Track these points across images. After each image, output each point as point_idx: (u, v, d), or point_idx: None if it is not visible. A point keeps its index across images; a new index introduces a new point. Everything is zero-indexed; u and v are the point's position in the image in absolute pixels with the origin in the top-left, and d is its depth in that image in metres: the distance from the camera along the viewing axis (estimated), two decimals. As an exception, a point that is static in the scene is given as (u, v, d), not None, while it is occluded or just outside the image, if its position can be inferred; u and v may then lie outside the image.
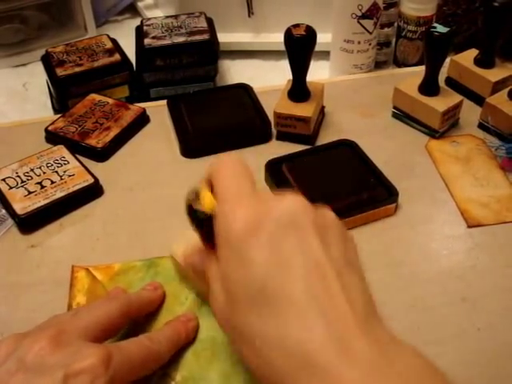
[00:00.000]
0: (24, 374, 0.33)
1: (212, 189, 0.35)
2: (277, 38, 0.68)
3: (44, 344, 0.35)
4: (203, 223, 0.35)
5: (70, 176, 0.57)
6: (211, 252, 0.35)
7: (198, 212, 0.35)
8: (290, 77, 0.62)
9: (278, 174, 0.57)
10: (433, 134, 0.63)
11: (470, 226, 0.53)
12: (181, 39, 0.71)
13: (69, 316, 0.39)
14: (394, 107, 0.66)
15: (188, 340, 0.42)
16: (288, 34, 0.58)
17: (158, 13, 0.89)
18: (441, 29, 0.58)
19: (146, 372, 0.38)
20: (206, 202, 0.35)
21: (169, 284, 0.46)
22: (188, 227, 0.36)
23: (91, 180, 0.57)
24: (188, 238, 0.39)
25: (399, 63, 0.79)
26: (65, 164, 0.58)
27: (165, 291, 0.45)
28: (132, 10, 0.95)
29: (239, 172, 0.35)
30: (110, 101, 0.67)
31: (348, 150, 0.60)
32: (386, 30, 0.77)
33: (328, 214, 0.34)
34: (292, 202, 0.32)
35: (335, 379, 0.27)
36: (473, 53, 0.69)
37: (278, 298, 0.29)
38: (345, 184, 0.56)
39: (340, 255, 0.31)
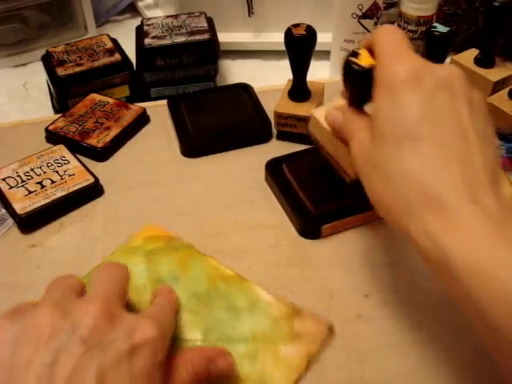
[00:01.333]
0: (89, 351, 0.32)
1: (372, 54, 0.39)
2: (277, 38, 0.68)
3: (100, 319, 0.34)
4: (359, 78, 0.38)
5: (70, 176, 0.57)
6: (356, 111, 0.40)
7: (355, 66, 0.38)
8: (291, 76, 0.62)
9: (278, 174, 0.57)
10: (433, 133, 0.63)
11: (470, 226, 0.53)
12: (181, 39, 0.71)
13: (77, 285, 0.39)
14: (395, 107, 0.66)
15: (176, 309, 0.43)
16: (288, 34, 0.58)
17: (159, 12, 0.90)
18: (441, 28, 0.58)
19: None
20: (364, 59, 0.39)
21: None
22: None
23: (91, 180, 0.57)
24: (327, 107, 0.44)
25: (399, 63, 0.79)
26: (65, 164, 0.58)
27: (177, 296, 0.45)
28: (132, 9, 0.95)
29: (399, 36, 0.39)
30: (111, 100, 0.67)
31: None
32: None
33: (479, 93, 0.37)
34: (452, 69, 0.36)
35: (456, 217, 0.31)
36: (473, 52, 0.69)
37: (423, 139, 0.34)
38: (345, 184, 0.55)
39: (482, 129, 0.36)
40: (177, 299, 0.44)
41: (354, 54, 0.39)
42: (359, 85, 0.39)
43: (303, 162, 0.58)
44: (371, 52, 0.40)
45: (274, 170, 0.57)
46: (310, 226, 0.52)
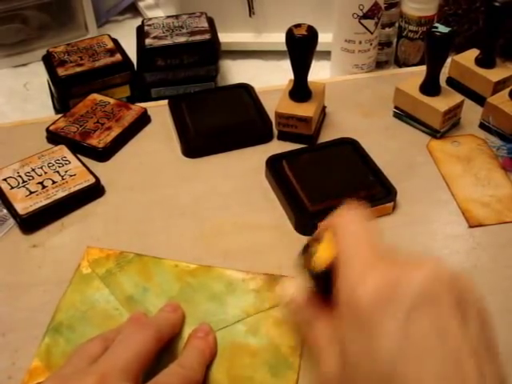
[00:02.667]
0: None
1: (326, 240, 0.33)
2: (278, 38, 0.68)
3: None
4: (318, 280, 0.33)
5: (71, 176, 0.57)
6: (323, 307, 0.33)
7: (313, 267, 0.33)
8: (291, 77, 0.62)
9: (278, 171, 0.57)
10: (434, 133, 0.63)
11: (471, 226, 0.53)
12: (182, 39, 0.71)
13: (102, 351, 0.37)
14: (395, 107, 0.66)
15: (213, 354, 0.41)
16: (289, 34, 0.58)
17: (159, 13, 0.89)
18: (442, 29, 0.58)
19: None
20: (324, 253, 0.32)
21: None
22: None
23: (92, 180, 0.57)
24: (296, 284, 0.37)
25: (400, 63, 0.79)
26: (66, 164, 0.58)
27: (184, 311, 0.44)
28: (133, 9, 0.95)
29: (365, 229, 0.32)
30: (111, 101, 0.67)
31: (349, 148, 0.60)
32: (387, 29, 0.77)
33: (470, 288, 0.29)
34: (430, 271, 0.28)
35: None
36: (474, 53, 0.69)
37: (409, 378, 0.26)
38: (343, 182, 0.56)
39: (479, 340, 0.28)
40: (214, 343, 0.42)
41: (308, 249, 0.33)
42: (316, 286, 0.33)
43: (303, 160, 0.59)
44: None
45: (275, 166, 0.58)
46: (306, 223, 0.52)
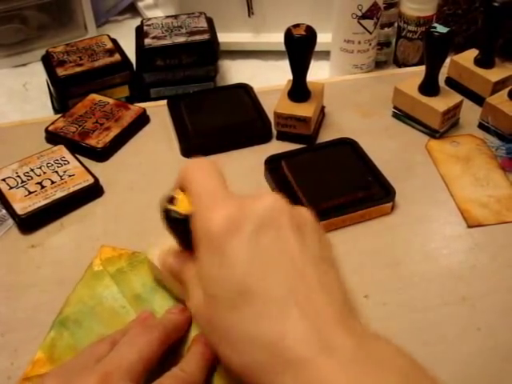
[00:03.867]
0: None
1: (185, 192, 0.35)
2: (277, 38, 0.67)
3: None
4: (179, 226, 0.35)
5: (70, 176, 0.57)
6: (188, 255, 0.35)
7: (173, 214, 0.35)
8: (290, 77, 0.62)
9: (277, 171, 0.57)
10: (433, 133, 0.63)
11: (469, 226, 0.53)
12: (181, 39, 0.71)
13: (109, 352, 0.37)
14: (394, 107, 0.66)
15: (215, 358, 0.41)
16: (288, 34, 0.58)
17: (158, 13, 0.89)
18: (441, 29, 0.58)
19: None
20: (182, 205, 0.35)
21: None
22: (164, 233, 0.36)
23: (91, 180, 0.57)
24: (164, 243, 0.39)
25: (399, 63, 0.79)
26: (65, 164, 0.58)
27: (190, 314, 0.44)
28: (132, 10, 0.95)
29: (211, 172, 0.35)
30: (111, 101, 0.67)
31: (348, 148, 0.60)
32: (386, 30, 0.77)
33: (304, 213, 0.34)
34: (269, 201, 0.32)
35: (313, 371, 0.27)
36: (473, 53, 0.69)
37: (258, 296, 0.29)
38: (342, 182, 0.56)
39: (316, 252, 0.32)
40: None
41: (171, 199, 0.35)
42: (182, 232, 0.35)
43: (302, 160, 0.59)
44: None
45: (273, 166, 0.58)
46: None
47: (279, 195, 0.33)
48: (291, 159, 0.58)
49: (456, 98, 0.63)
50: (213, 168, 0.35)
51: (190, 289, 0.34)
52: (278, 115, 0.62)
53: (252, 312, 0.30)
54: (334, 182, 0.56)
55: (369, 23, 0.70)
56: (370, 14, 0.69)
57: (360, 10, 0.69)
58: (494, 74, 0.66)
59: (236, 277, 0.30)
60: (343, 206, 0.53)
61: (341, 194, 0.54)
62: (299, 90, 0.62)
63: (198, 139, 0.63)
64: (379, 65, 0.79)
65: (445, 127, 0.63)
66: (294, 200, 0.54)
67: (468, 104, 0.66)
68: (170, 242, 0.38)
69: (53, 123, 0.64)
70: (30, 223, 0.54)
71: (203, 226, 0.32)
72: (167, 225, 0.36)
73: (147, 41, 0.71)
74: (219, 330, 0.31)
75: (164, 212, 0.36)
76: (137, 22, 0.77)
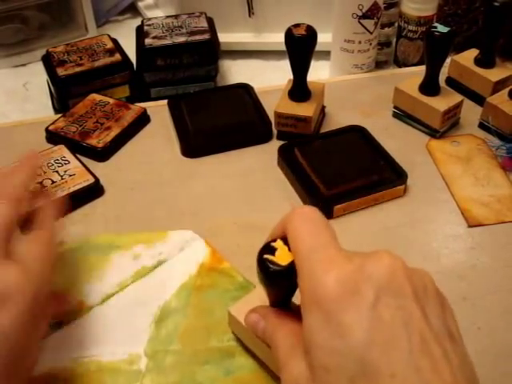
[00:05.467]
0: None
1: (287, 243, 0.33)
2: (277, 38, 0.68)
3: None
4: (279, 280, 0.32)
5: (70, 176, 0.57)
6: (283, 316, 0.33)
7: (273, 266, 0.32)
8: (291, 77, 0.62)
9: (291, 158, 0.58)
10: (433, 133, 0.63)
11: (470, 226, 0.53)
12: (181, 39, 0.71)
13: None
14: (395, 107, 0.66)
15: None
16: (289, 34, 0.58)
17: (159, 13, 0.89)
18: (441, 29, 0.58)
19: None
20: (282, 255, 0.32)
21: None
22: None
23: (92, 180, 0.57)
24: (251, 298, 0.37)
25: (400, 63, 0.79)
26: (65, 164, 0.58)
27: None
28: (132, 9, 0.95)
29: (320, 226, 0.32)
30: (111, 101, 0.67)
31: (357, 135, 0.61)
32: (386, 29, 0.77)
33: (427, 278, 0.31)
34: (388, 262, 0.29)
35: None
36: (473, 53, 0.69)
37: (381, 374, 0.26)
38: (355, 167, 0.57)
39: (442, 326, 0.29)
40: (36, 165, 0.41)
41: (270, 249, 0.33)
42: (280, 285, 0.33)
43: (315, 147, 0.60)
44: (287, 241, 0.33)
45: (287, 153, 0.59)
46: (322, 207, 0.53)
47: (395, 255, 0.30)
48: (303, 147, 0.59)
49: (456, 97, 0.63)
50: (321, 220, 0.32)
51: (286, 358, 0.31)
52: (278, 115, 0.62)
53: None
54: (346, 167, 0.57)
55: (369, 23, 0.70)
56: (371, 13, 0.69)
57: (360, 10, 0.69)
58: (495, 74, 0.66)
59: (356, 349, 0.27)
60: (358, 189, 0.54)
61: (355, 178, 0.55)
62: (300, 90, 0.62)
63: (199, 139, 0.63)
64: (379, 65, 0.79)
65: (445, 127, 0.63)
66: (310, 186, 0.55)
67: (468, 104, 0.66)
68: (257, 296, 0.35)
69: (53, 123, 0.64)
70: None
71: (315, 290, 0.29)
72: (264, 276, 0.33)
73: (148, 41, 0.71)
74: None
75: (261, 263, 0.32)
76: (137, 21, 0.77)
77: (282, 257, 0.32)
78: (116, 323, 0.44)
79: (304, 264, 0.30)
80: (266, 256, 0.32)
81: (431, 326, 0.28)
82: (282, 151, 0.60)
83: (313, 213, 0.33)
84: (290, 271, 0.31)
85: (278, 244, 0.33)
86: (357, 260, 0.29)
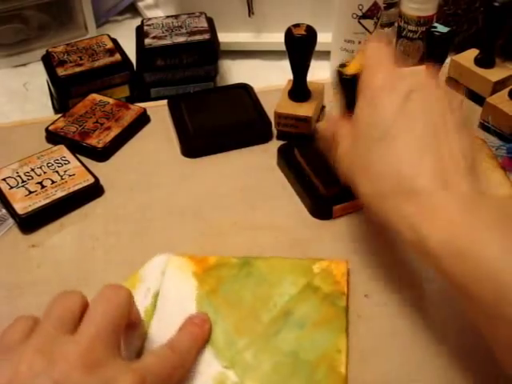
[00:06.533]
0: None
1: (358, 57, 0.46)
2: (277, 38, 0.67)
3: (77, 366, 0.32)
4: (347, 85, 0.45)
5: (70, 176, 0.57)
6: (347, 119, 0.44)
7: (344, 75, 0.45)
8: (291, 77, 0.62)
9: (290, 158, 0.58)
10: (433, 133, 0.63)
11: (470, 226, 0.53)
12: (181, 39, 0.71)
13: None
14: (395, 107, 0.66)
15: (205, 343, 0.41)
16: (288, 34, 0.58)
17: (159, 13, 0.89)
18: (441, 29, 0.58)
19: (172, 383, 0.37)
20: (353, 66, 0.45)
21: (260, 287, 0.46)
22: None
23: (92, 180, 0.57)
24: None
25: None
26: (65, 164, 0.58)
27: (211, 325, 0.43)
28: (132, 9, 0.95)
29: (384, 49, 0.43)
30: (111, 101, 0.67)
31: None
32: (386, 29, 0.77)
33: (450, 90, 0.45)
34: (423, 77, 0.41)
35: (430, 204, 0.35)
36: (473, 53, 0.69)
37: (397, 140, 0.38)
38: None
39: (458, 120, 0.39)
40: (209, 330, 0.42)
41: (343, 64, 0.47)
42: (346, 90, 0.46)
43: (314, 146, 0.59)
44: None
45: (287, 154, 0.59)
46: (321, 207, 0.53)
47: (433, 74, 0.42)
48: (303, 146, 0.59)
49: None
50: (387, 49, 0.44)
51: (340, 140, 0.44)
52: (278, 115, 0.62)
53: (390, 148, 0.38)
54: None
55: (369, 23, 0.70)
56: (371, 13, 0.69)
57: (360, 10, 0.69)
58: (495, 74, 0.66)
59: (382, 119, 0.38)
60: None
61: None
62: (299, 90, 0.62)
63: (199, 139, 0.63)
64: (379, 65, 0.79)
65: (445, 127, 0.63)
66: (309, 186, 0.55)
67: (468, 104, 0.66)
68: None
69: (53, 123, 0.64)
70: (31, 223, 0.54)
71: (367, 82, 0.41)
72: (338, 84, 0.46)
73: (147, 41, 0.71)
74: (359, 165, 0.40)
75: (337, 73, 0.46)
76: (137, 21, 0.77)
77: (351, 69, 0.45)
78: None
79: (367, 68, 0.42)
80: (339, 68, 0.46)
81: (445, 118, 0.38)
82: (281, 151, 0.60)
83: (383, 45, 0.44)
84: (353, 80, 0.44)
85: (352, 61, 0.46)
86: (402, 69, 0.41)
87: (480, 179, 0.37)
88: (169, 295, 0.45)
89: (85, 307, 0.37)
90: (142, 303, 0.44)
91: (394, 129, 0.38)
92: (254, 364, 0.41)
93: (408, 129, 0.38)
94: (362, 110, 0.41)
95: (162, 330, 0.42)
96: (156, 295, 0.45)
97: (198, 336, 0.41)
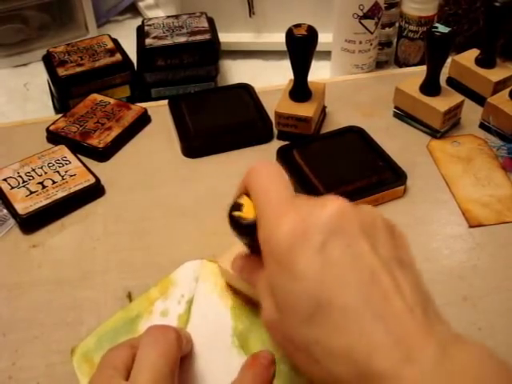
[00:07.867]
0: None
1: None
2: (278, 38, 0.68)
3: None
4: (246, 232, 0.34)
5: (71, 176, 0.57)
6: (258, 260, 0.34)
7: (240, 221, 0.34)
8: (292, 77, 0.62)
9: (289, 160, 0.58)
10: (434, 133, 0.63)
11: (471, 226, 0.53)
12: (182, 39, 0.71)
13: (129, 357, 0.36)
14: (395, 107, 0.66)
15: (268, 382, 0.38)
16: (289, 34, 0.58)
17: (159, 13, 0.90)
18: (442, 29, 0.58)
19: None
20: (248, 210, 0.34)
21: None
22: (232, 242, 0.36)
23: (92, 180, 0.57)
24: (233, 250, 0.39)
25: (400, 63, 0.79)
26: (66, 164, 0.58)
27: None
28: (133, 10, 0.95)
29: (274, 178, 0.34)
30: (112, 101, 0.67)
31: (355, 136, 0.61)
32: (387, 29, 0.77)
33: (373, 213, 0.32)
34: (335, 206, 0.30)
35: (396, 382, 0.27)
36: (474, 53, 0.69)
37: (333, 307, 0.28)
38: (354, 168, 0.57)
39: (391, 255, 0.30)
40: (273, 375, 0.38)
41: (237, 206, 0.35)
42: (250, 238, 0.35)
43: (313, 148, 0.60)
44: None
45: (285, 155, 0.59)
46: None
47: (343, 199, 0.31)
48: (302, 148, 0.59)
49: (457, 97, 0.63)
50: (275, 172, 0.34)
51: (261, 298, 0.33)
52: (278, 115, 0.62)
53: (330, 326, 0.28)
54: (346, 169, 0.57)
55: (370, 23, 0.70)
56: (371, 13, 0.69)
57: (361, 10, 0.69)
58: (495, 74, 0.66)
59: (310, 290, 0.29)
60: (358, 191, 0.54)
61: (354, 179, 0.55)
62: (300, 90, 0.62)
63: (199, 139, 0.63)
64: (380, 65, 0.79)
65: (446, 127, 0.63)
66: (310, 188, 0.55)
67: (469, 104, 0.66)
68: (240, 247, 0.37)
69: (54, 123, 0.64)
70: (31, 223, 0.54)
71: (269, 239, 0.31)
72: (234, 231, 0.35)
73: (148, 41, 0.71)
74: (295, 342, 0.30)
75: (231, 219, 0.35)
76: (138, 21, 0.77)
77: (248, 211, 0.34)
78: (214, 375, 0.41)
79: (260, 217, 0.33)
80: (233, 213, 0.34)
81: (380, 258, 0.30)
82: (280, 153, 0.59)
83: (267, 166, 0.35)
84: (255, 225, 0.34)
85: (244, 200, 0.35)
86: (305, 209, 0.31)
87: (440, 318, 0.30)
88: (203, 303, 0.44)
89: (134, 357, 0.36)
90: (175, 309, 0.44)
91: (323, 298, 0.28)
92: (291, 375, 0.40)
93: (339, 289, 0.28)
94: (276, 277, 0.31)
95: (197, 338, 0.41)
96: (190, 302, 0.44)
97: (264, 379, 0.38)
